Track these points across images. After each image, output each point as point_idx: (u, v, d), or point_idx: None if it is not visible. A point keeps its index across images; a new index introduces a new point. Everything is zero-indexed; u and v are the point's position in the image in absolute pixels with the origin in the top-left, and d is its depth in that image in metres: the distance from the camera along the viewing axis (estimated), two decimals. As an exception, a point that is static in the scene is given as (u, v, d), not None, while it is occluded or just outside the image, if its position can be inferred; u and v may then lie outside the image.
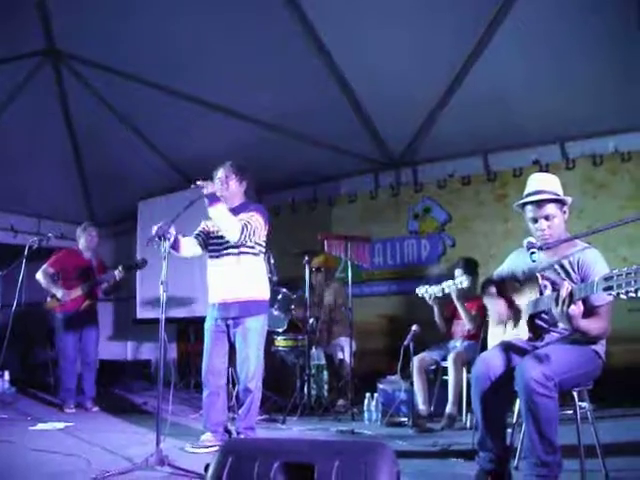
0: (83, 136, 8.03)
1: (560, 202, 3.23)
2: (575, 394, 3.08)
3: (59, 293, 6.43)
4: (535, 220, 3.23)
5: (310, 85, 6.38)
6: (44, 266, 6.55)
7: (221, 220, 4.31)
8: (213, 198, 4.26)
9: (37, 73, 6.76)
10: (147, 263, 6.24)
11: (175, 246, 4.37)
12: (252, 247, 4.48)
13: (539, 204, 3.21)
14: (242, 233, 4.28)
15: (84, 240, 6.67)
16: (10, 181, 8.13)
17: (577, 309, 2.79)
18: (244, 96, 6.69)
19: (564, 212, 3.25)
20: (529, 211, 3.25)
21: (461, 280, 5.26)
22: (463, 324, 5.52)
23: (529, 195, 3.28)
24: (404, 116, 6.61)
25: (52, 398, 6.98)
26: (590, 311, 2.93)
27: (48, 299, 6.53)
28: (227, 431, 4.48)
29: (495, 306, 3.45)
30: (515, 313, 3.33)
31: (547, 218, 3.20)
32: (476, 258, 5.91)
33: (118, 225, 10.01)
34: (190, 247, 4.61)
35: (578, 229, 3.64)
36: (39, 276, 6.52)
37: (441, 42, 5.65)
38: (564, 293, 2.78)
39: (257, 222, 4.42)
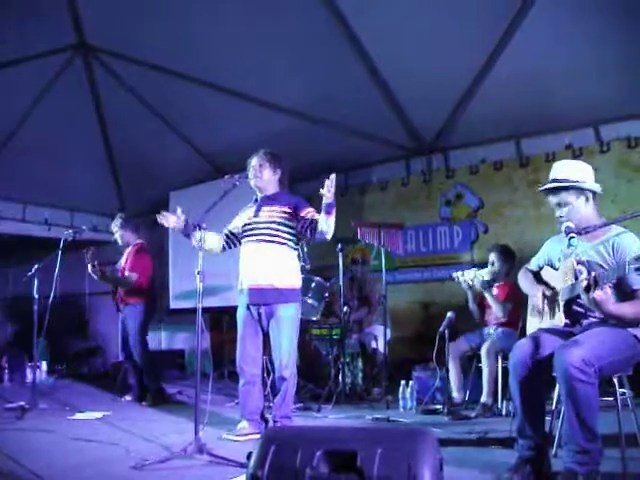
0: (114, 129, 8.12)
1: (576, 188, 3.22)
2: (615, 380, 3.04)
3: None
4: (556, 206, 3.28)
5: (340, 72, 6.37)
6: None
7: (332, 225, 4.24)
8: (330, 208, 4.10)
9: (68, 67, 6.86)
10: None
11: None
12: (290, 235, 4.47)
13: (554, 192, 3.26)
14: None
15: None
16: (43, 175, 8.26)
17: (603, 294, 2.80)
18: (273, 85, 6.70)
19: (586, 198, 3.22)
20: (549, 200, 3.31)
21: (481, 273, 5.25)
22: (495, 312, 5.48)
23: (545, 184, 3.33)
24: (435, 102, 6.56)
25: (87, 388, 7.06)
26: (628, 294, 2.92)
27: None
28: (264, 419, 4.48)
29: (532, 297, 3.45)
30: (551, 303, 3.31)
31: (560, 205, 3.23)
32: (509, 244, 5.85)
33: (150, 216, 10.05)
34: (212, 242, 4.58)
35: (612, 213, 3.59)
36: None
37: (471, 26, 5.58)
38: (587, 281, 2.83)
39: None
